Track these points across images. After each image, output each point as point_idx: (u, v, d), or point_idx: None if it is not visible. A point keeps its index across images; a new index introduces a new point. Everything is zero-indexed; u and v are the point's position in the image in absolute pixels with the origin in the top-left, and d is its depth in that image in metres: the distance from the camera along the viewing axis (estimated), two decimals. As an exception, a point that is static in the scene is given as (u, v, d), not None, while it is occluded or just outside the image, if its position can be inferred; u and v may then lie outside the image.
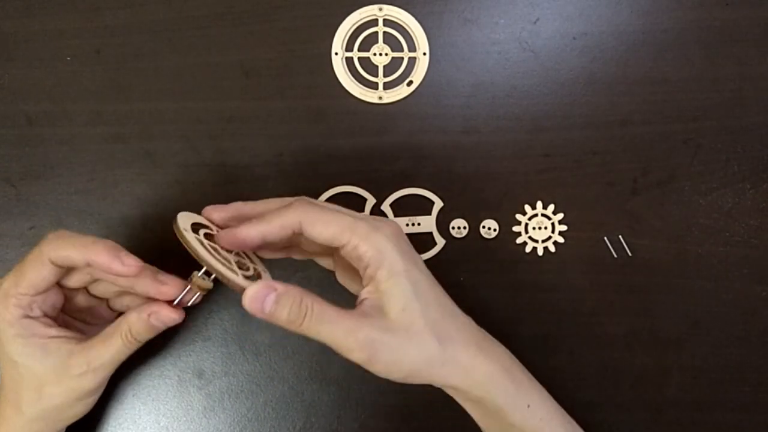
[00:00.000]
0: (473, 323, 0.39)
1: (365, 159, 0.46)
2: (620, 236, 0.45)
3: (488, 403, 0.37)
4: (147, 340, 0.38)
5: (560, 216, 0.45)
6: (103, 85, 0.46)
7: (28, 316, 0.37)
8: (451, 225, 0.46)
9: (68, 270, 0.38)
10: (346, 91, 0.45)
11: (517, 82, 0.46)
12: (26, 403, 0.38)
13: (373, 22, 0.46)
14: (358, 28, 0.46)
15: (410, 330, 0.35)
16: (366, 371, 0.36)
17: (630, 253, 0.45)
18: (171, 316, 0.38)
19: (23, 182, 0.46)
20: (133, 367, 0.45)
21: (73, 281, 0.39)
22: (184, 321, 0.45)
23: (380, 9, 0.45)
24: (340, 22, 0.45)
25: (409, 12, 0.45)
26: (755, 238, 0.45)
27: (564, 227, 0.45)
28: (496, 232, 0.46)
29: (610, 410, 0.45)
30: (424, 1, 0.46)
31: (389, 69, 0.46)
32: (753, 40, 0.45)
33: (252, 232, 0.36)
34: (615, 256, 0.45)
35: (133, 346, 0.38)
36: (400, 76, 0.46)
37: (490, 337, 0.39)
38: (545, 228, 0.45)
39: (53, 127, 0.46)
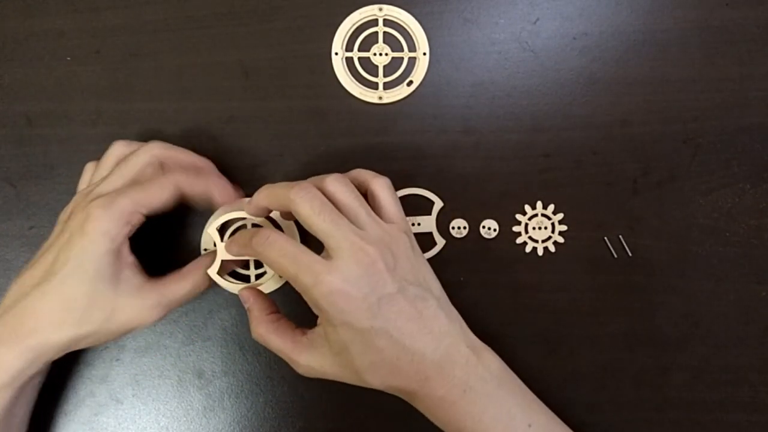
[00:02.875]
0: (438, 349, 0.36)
1: (365, 159, 0.46)
2: (620, 236, 0.45)
3: None
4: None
5: (560, 216, 0.45)
6: (103, 85, 0.46)
7: (126, 236, 0.37)
8: (451, 225, 0.46)
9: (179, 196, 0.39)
10: (346, 91, 0.45)
11: (517, 82, 0.46)
12: (72, 325, 0.36)
13: (373, 22, 0.46)
14: (358, 28, 0.46)
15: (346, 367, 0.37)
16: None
17: (630, 253, 0.45)
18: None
19: (23, 182, 0.46)
20: (133, 367, 0.45)
21: None
22: (183, 321, 0.45)
23: (380, 9, 0.45)
24: (340, 22, 0.45)
25: (409, 12, 0.45)
26: (755, 238, 0.45)
27: (564, 227, 0.45)
28: (496, 232, 0.46)
29: (610, 410, 0.45)
30: (424, 1, 0.46)
31: (389, 69, 0.46)
32: (753, 40, 0.45)
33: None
34: (615, 256, 0.45)
35: (204, 287, 0.40)
36: (400, 76, 0.46)
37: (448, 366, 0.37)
38: (545, 228, 0.45)
39: (53, 127, 0.46)
